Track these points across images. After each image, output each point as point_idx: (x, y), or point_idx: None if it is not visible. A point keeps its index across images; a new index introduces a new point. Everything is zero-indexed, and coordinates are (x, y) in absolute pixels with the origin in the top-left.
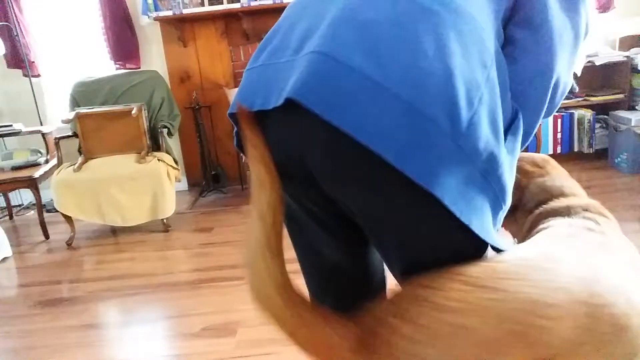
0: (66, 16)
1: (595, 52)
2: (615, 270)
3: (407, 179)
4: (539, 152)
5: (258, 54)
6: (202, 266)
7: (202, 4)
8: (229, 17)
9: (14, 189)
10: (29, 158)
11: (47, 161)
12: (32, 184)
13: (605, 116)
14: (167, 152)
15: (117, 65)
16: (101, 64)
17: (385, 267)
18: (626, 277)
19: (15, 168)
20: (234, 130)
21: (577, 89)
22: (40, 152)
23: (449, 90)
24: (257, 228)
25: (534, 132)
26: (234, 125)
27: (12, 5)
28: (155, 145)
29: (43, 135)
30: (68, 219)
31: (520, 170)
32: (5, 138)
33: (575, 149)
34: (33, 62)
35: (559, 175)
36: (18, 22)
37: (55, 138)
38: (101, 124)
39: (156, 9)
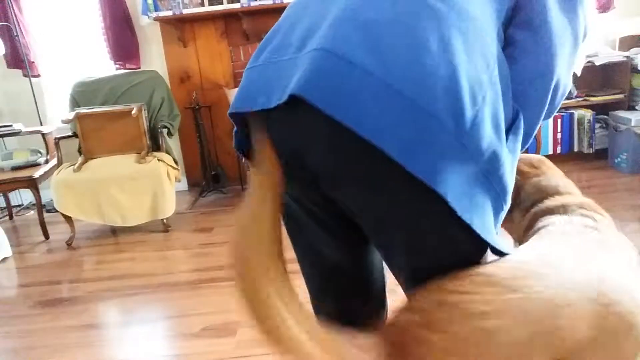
0: (66, 16)
1: (595, 52)
2: (617, 269)
3: (409, 175)
4: (539, 153)
5: (258, 53)
6: (202, 266)
7: (202, 4)
8: (229, 17)
9: (14, 189)
10: (29, 158)
11: (47, 161)
12: (32, 184)
13: (605, 116)
14: (167, 152)
15: (117, 66)
16: (101, 64)
17: (385, 267)
18: (627, 276)
19: (15, 168)
20: (234, 130)
21: (574, 94)
22: (40, 152)
23: (453, 88)
24: (254, 233)
25: (534, 133)
26: (235, 125)
27: (12, 5)
28: (155, 145)
29: (43, 135)
30: (68, 219)
31: (516, 170)
32: (5, 138)
33: (575, 149)
34: (33, 62)
35: (554, 175)
36: (18, 22)
37: (55, 138)
38: (101, 124)
39: (156, 9)
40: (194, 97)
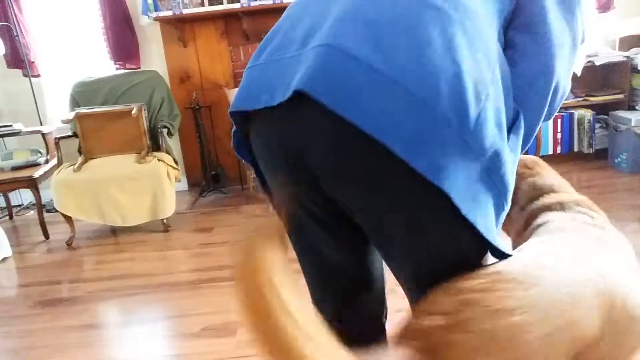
0: (66, 16)
1: (595, 52)
2: (618, 264)
3: (413, 172)
4: (539, 153)
5: (259, 53)
6: (202, 266)
7: (202, 4)
8: (229, 17)
9: (14, 189)
10: (29, 158)
11: (47, 161)
12: (32, 184)
13: (605, 116)
14: (167, 152)
15: (117, 66)
16: (101, 64)
17: (386, 267)
18: (627, 271)
19: (15, 168)
20: (232, 130)
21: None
22: (40, 152)
23: (458, 86)
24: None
25: (534, 135)
26: (234, 124)
27: (12, 5)
28: (155, 145)
29: (43, 135)
30: (68, 219)
31: None
32: (5, 138)
33: (575, 149)
34: (33, 62)
35: (548, 175)
36: (18, 22)
37: (55, 138)
38: (101, 124)
39: (156, 9)
40: (194, 97)
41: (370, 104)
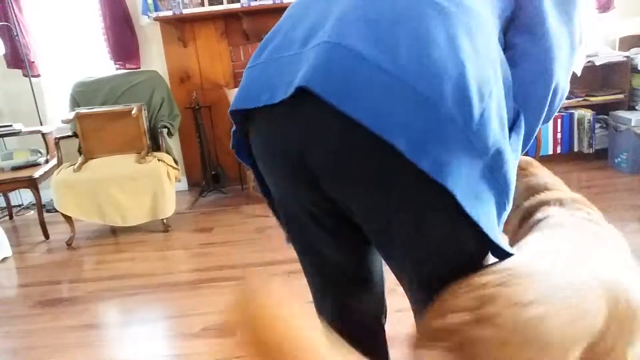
0: (66, 16)
1: (595, 52)
2: (618, 260)
3: (417, 171)
4: (539, 153)
5: (259, 52)
6: (202, 266)
7: (202, 4)
8: (229, 17)
9: (14, 189)
10: (29, 158)
11: (47, 161)
12: (32, 184)
13: (605, 116)
14: (167, 152)
15: (117, 66)
16: (101, 64)
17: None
18: (625, 267)
19: (15, 168)
20: (232, 130)
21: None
22: (40, 152)
23: (462, 85)
24: None
25: (534, 135)
26: (234, 124)
27: (12, 5)
28: (155, 145)
29: (43, 135)
30: (68, 219)
31: None
32: (5, 138)
33: (575, 149)
34: (33, 62)
35: (542, 175)
36: (18, 22)
37: (55, 138)
38: (101, 124)
39: (156, 9)
40: (194, 97)
41: (379, 105)
